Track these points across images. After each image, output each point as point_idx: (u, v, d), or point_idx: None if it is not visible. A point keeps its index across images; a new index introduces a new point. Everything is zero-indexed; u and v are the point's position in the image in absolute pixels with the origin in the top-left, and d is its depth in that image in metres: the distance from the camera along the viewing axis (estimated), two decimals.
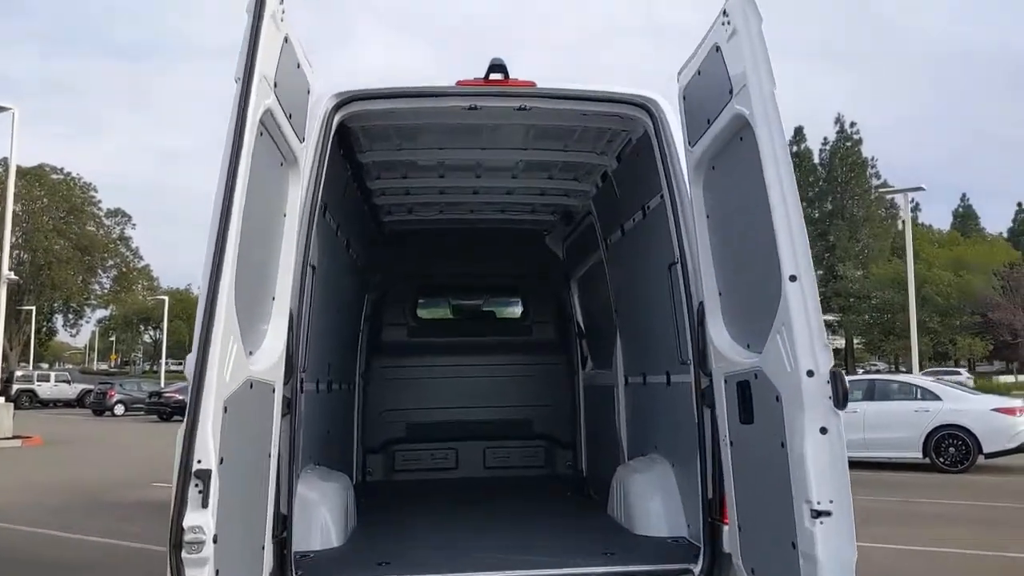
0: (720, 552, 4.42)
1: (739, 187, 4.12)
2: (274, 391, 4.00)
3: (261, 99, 3.57)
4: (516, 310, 9.94)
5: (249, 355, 3.78)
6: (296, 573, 4.24)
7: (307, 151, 4.63)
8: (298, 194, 4.37)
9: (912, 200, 34.74)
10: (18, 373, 55.56)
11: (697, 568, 4.52)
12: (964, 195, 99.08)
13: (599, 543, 5.20)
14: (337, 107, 4.84)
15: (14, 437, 24.94)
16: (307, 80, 4.35)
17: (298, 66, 4.17)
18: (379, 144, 6.41)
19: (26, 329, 69.08)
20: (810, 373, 3.51)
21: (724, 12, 3.90)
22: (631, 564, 4.69)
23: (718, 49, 4.01)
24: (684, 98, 4.58)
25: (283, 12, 3.75)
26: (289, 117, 4.03)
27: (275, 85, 3.74)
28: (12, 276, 27.72)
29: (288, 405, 4.15)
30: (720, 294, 4.54)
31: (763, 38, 3.69)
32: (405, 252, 9.17)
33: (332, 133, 4.85)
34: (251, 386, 3.67)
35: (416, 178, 7.34)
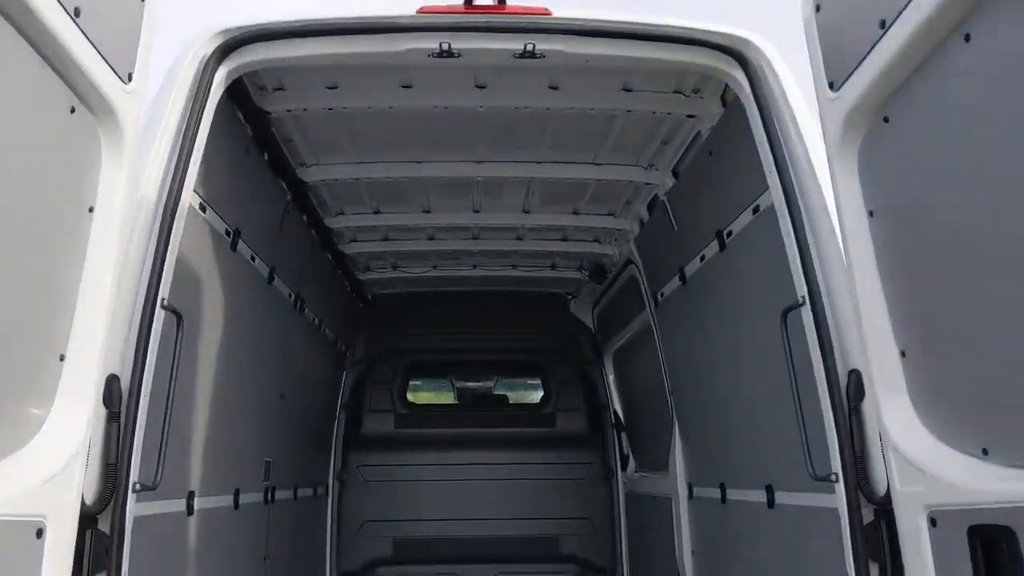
0: None
1: (956, 140, 2.11)
2: (42, 532, 2.09)
3: None
4: (535, 394, 7.85)
5: None
6: None
7: (166, 114, 2.75)
8: (122, 176, 2.41)
9: None
10: None
11: None
12: None
13: None
14: (223, 52, 2.97)
15: None
16: None
17: None
18: (327, 154, 4.53)
19: None
20: None
21: None
22: None
23: None
24: (818, 8, 2.63)
25: None
26: (75, 15, 2.10)
27: None
28: None
29: (107, 549, 2.49)
30: (903, 354, 2.47)
31: None
32: (391, 319, 7.26)
33: (213, 96, 2.98)
34: None
35: (392, 213, 5.45)
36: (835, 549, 2.87)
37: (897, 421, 2.44)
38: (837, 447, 2.76)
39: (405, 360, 7.41)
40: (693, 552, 4.88)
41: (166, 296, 2.72)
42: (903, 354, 2.47)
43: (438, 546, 6.86)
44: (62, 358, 2.24)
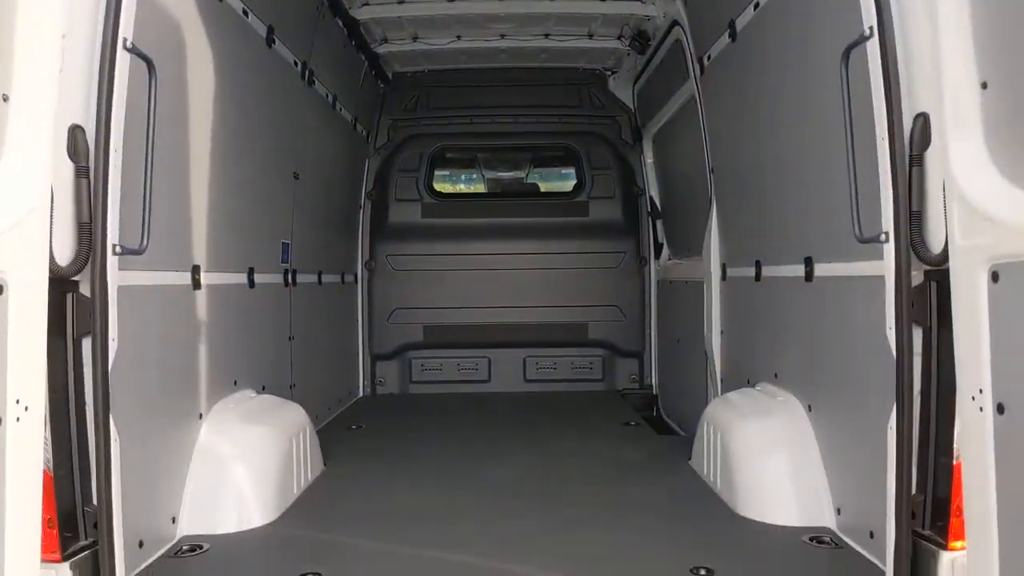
0: None
1: None
2: (1, 289, 1.93)
3: None
4: (568, 182, 7.53)
5: None
6: None
7: None
8: None
9: None
10: None
11: None
12: None
13: (685, 542, 3.15)
14: None
15: None
16: None
17: None
18: None
19: None
20: None
21: None
22: None
23: None
24: None
25: None
26: None
27: None
28: None
29: (90, 311, 2.42)
30: (984, 86, 2.08)
31: None
32: (414, 101, 6.86)
33: None
34: None
35: None
36: (876, 317, 2.66)
37: (966, 164, 2.09)
38: (891, 202, 2.45)
39: (430, 146, 7.10)
40: (722, 332, 4.79)
41: (129, 36, 2.41)
42: (984, 86, 2.07)
43: (468, 332, 7.00)
44: (5, 99, 1.99)
